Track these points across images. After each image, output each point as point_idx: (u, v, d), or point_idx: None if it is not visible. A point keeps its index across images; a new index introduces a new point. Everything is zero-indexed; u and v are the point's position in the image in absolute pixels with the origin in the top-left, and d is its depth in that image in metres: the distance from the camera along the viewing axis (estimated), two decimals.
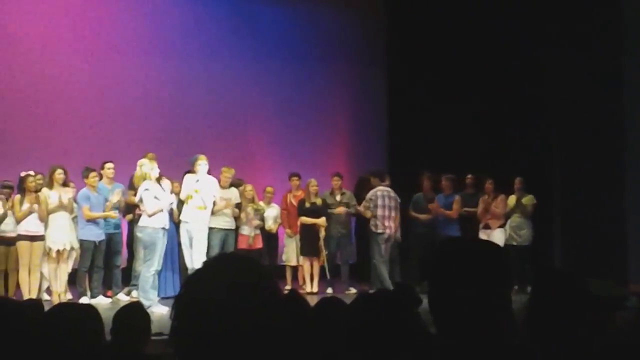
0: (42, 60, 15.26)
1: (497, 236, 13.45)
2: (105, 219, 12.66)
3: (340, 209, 14.05)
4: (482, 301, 2.28)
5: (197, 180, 12.18)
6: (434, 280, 2.39)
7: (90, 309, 3.70)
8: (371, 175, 14.15)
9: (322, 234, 14.04)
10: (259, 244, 13.68)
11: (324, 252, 14.03)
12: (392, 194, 13.74)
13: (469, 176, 14.51)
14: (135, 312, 4.95)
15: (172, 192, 12.20)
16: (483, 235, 13.50)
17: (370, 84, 17.85)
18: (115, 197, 12.72)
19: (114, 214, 12.76)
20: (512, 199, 13.94)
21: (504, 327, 2.30)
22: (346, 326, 3.21)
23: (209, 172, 12.51)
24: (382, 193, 13.64)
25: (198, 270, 1.91)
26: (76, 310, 3.68)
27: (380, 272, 13.46)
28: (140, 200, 11.55)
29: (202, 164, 12.24)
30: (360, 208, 13.77)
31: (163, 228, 11.46)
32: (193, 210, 12.15)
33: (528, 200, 13.92)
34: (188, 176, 12.39)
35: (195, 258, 11.80)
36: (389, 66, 17.85)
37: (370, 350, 3.03)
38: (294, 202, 14.33)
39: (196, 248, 11.99)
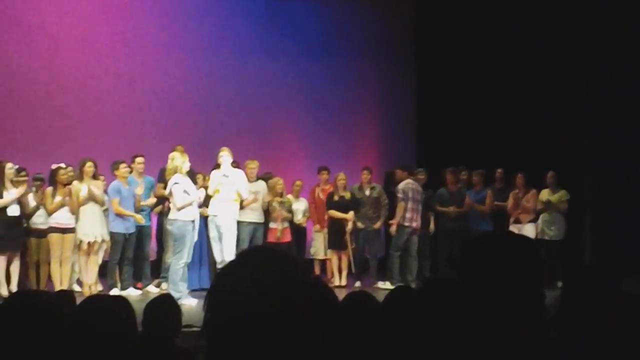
0: (73, 55, 15.35)
1: (528, 230, 13.39)
2: (137, 210, 12.74)
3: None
4: (514, 296, 2.28)
5: (225, 175, 12.18)
6: (466, 274, 2.38)
7: (122, 300, 3.72)
8: (399, 168, 14.14)
9: (349, 228, 14.03)
10: (288, 238, 13.69)
11: (351, 246, 14.03)
12: (419, 187, 13.77)
13: (499, 170, 14.46)
14: (166, 304, 4.96)
15: (202, 186, 12.26)
16: (514, 229, 13.40)
17: (400, 79, 17.81)
18: (140, 191, 12.78)
19: (141, 218, 12.78)
20: (544, 194, 13.85)
21: (535, 322, 2.30)
22: (380, 320, 3.23)
23: (237, 167, 12.55)
24: (412, 186, 13.68)
25: (231, 263, 1.91)
26: (108, 301, 3.70)
27: (393, 264, 13.54)
28: (170, 193, 11.58)
29: (224, 155, 12.25)
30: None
31: (192, 221, 11.48)
32: (221, 204, 12.16)
33: (561, 195, 13.82)
34: (214, 172, 12.41)
35: (225, 252, 11.82)
36: (418, 61, 17.79)
37: (402, 343, 3.04)
38: (322, 196, 14.33)
39: (226, 242, 12.01)
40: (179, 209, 11.41)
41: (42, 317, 2.98)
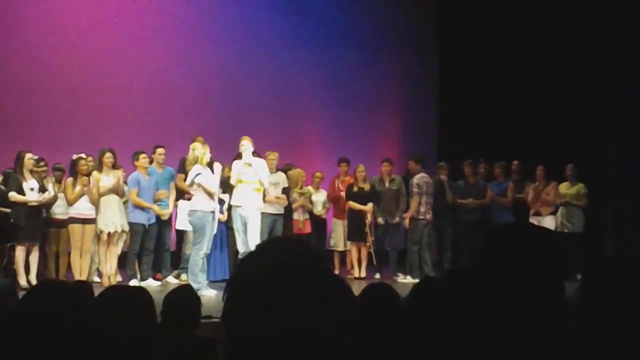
0: (94, 47, 15.39)
1: (548, 223, 13.33)
2: (157, 201, 12.77)
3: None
4: (536, 287, 2.26)
5: (247, 163, 12.10)
6: (487, 265, 2.37)
7: (142, 291, 3.72)
8: (412, 160, 14.07)
9: (369, 219, 14.02)
10: (308, 229, 13.72)
11: (370, 238, 14.01)
12: (431, 180, 13.76)
13: (515, 162, 14.39)
14: (185, 295, 4.96)
15: (222, 176, 12.26)
16: (534, 221, 13.32)
17: (422, 71, 17.77)
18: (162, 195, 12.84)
19: (158, 208, 12.79)
20: (562, 187, 13.79)
21: (556, 314, 2.28)
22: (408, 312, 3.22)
23: (258, 157, 12.54)
24: (426, 180, 13.66)
25: (251, 253, 1.90)
26: (127, 292, 3.70)
27: (413, 258, 13.52)
28: (191, 184, 11.58)
29: (245, 144, 12.13)
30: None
31: (212, 212, 11.48)
32: (245, 193, 12.07)
33: (579, 189, 13.75)
34: (236, 161, 12.32)
35: (251, 242, 11.75)
36: (441, 51, 17.74)
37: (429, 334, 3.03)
38: (342, 188, 14.32)
39: (251, 232, 11.88)
40: (209, 193, 11.37)
41: (67, 306, 2.98)
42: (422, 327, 3.28)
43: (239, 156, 12.33)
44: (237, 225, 12.13)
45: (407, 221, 13.65)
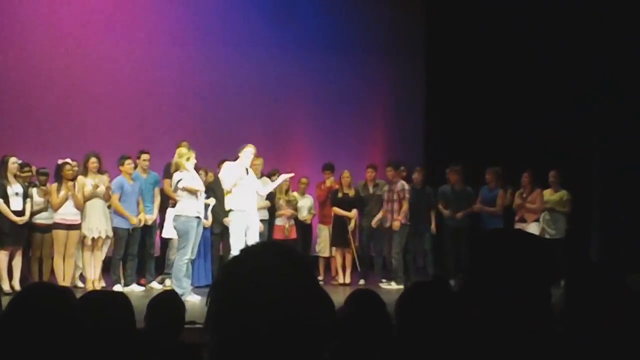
0: (79, 49, 15.37)
1: (532, 229, 13.30)
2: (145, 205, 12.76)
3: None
4: (523, 292, 2.27)
5: (247, 169, 11.94)
6: (476, 271, 2.37)
7: (121, 296, 3.71)
8: (390, 166, 14.07)
9: (351, 226, 14.03)
10: (294, 235, 13.72)
11: (354, 244, 14.02)
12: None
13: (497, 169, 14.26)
14: (169, 300, 4.95)
15: (206, 181, 12.24)
16: (518, 228, 13.38)
17: (408, 76, 17.78)
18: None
19: (136, 219, 12.67)
20: (546, 193, 13.77)
21: (541, 320, 2.29)
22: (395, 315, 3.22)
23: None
24: (407, 186, 13.72)
25: (235, 257, 1.90)
26: (107, 297, 3.69)
27: (398, 264, 13.53)
28: (175, 190, 11.57)
29: (249, 151, 11.93)
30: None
31: (197, 217, 11.47)
32: (246, 197, 11.78)
33: (562, 195, 13.74)
34: (231, 164, 11.96)
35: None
36: (427, 57, 17.76)
37: (412, 339, 3.03)
38: (327, 195, 14.34)
39: (252, 237, 11.62)
40: (191, 192, 11.33)
41: (44, 310, 2.97)
42: (411, 332, 3.28)
43: (227, 159, 12.16)
44: (238, 229, 11.68)
45: (397, 223, 13.60)
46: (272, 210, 13.48)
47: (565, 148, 14.57)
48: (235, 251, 11.37)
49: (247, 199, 11.79)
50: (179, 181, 11.36)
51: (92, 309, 3.36)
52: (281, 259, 1.85)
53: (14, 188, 11.89)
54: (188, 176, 11.46)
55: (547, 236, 13.46)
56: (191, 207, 11.40)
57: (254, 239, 11.61)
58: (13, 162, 12.00)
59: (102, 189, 12.37)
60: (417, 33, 17.91)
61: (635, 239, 13.75)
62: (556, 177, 13.79)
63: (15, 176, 12.02)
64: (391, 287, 13.02)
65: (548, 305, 2.32)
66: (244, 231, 11.65)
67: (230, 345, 1.80)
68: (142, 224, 12.80)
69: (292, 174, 12.51)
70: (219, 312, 1.82)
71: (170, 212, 12.55)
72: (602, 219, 14.46)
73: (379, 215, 13.72)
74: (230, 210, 11.88)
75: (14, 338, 2.84)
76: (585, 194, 14.19)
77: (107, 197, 12.46)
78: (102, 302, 3.48)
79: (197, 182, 11.58)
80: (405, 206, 13.56)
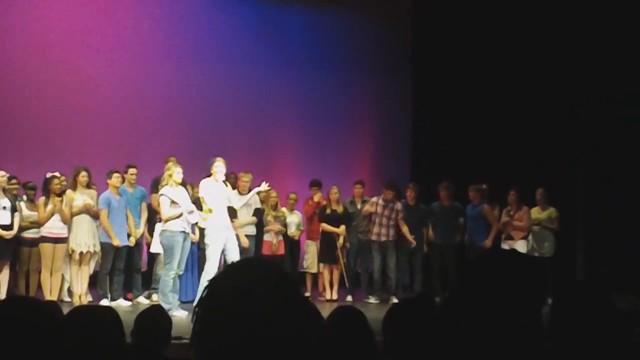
0: (69, 64, 15.34)
1: (520, 247, 13.32)
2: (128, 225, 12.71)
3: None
4: (515, 313, 2.27)
5: (225, 184, 11.79)
6: (468, 290, 2.38)
7: (110, 311, 3.70)
8: (358, 183, 14.36)
9: (340, 242, 14.02)
10: (282, 250, 13.70)
11: (342, 261, 14.02)
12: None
13: (484, 186, 14.27)
14: (156, 315, 4.95)
15: (192, 196, 12.20)
16: (505, 246, 13.36)
17: (395, 92, 17.84)
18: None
19: (117, 241, 12.54)
20: (534, 211, 13.79)
21: (531, 339, 2.29)
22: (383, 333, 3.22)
23: (235, 178, 12.52)
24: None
25: (221, 274, 1.90)
26: (95, 312, 3.68)
27: (392, 281, 13.65)
28: (158, 204, 11.60)
29: (219, 165, 11.68)
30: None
31: (183, 232, 11.45)
32: (225, 214, 11.66)
33: (550, 213, 13.78)
34: (207, 182, 11.68)
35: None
36: (414, 75, 17.84)
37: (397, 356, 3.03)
38: (314, 210, 14.34)
39: (234, 253, 11.47)
40: (165, 221, 11.40)
41: (31, 325, 2.95)
42: (396, 348, 3.28)
43: (208, 176, 12.07)
44: (218, 246, 11.43)
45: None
46: (260, 226, 13.44)
47: (550, 166, 14.63)
48: (209, 267, 11.31)
49: (224, 216, 11.69)
50: (161, 195, 11.42)
51: (81, 324, 3.35)
52: (266, 275, 1.85)
53: (2, 202, 11.86)
54: (171, 191, 11.43)
55: (536, 254, 13.48)
56: (176, 222, 11.39)
57: (234, 252, 11.51)
58: (1, 176, 11.96)
59: (91, 204, 12.35)
60: (404, 50, 17.97)
61: (620, 256, 13.78)
62: (543, 195, 13.83)
63: (3, 190, 11.98)
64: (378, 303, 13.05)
65: (539, 324, 2.32)
66: (222, 246, 11.47)
67: None
68: (134, 243, 12.80)
69: (267, 187, 12.35)
70: (205, 328, 1.82)
71: (158, 227, 12.53)
72: (587, 236, 14.48)
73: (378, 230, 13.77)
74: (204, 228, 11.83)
75: None
76: (571, 212, 14.21)
77: (95, 215, 12.43)
78: (90, 317, 3.47)
79: (182, 197, 11.55)
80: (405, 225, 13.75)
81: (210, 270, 11.09)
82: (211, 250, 11.42)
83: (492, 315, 2.29)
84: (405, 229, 13.72)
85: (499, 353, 2.27)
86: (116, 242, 12.47)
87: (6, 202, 11.90)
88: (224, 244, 11.45)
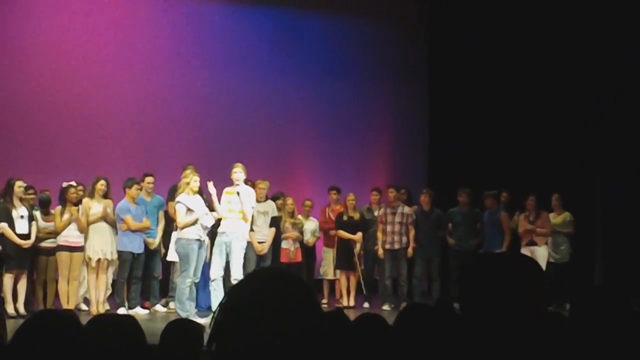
0: (86, 74, 15.37)
1: (542, 253, 13.28)
2: (144, 230, 12.72)
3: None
4: (515, 316, 2.26)
5: (237, 192, 11.82)
6: (467, 295, 2.38)
7: (130, 320, 3.70)
8: (375, 190, 14.54)
9: (357, 249, 14.00)
10: (299, 258, 13.69)
11: (360, 268, 14.00)
12: None
13: (504, 193, 14.23)
14: (186, 329, 4.88)
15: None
16: (526, 251, 13.29)
17: (412, 99, 17.82)
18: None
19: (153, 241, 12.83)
20: (550, 216, 13.74)
21: (536, 341, 2.28)
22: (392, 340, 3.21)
23: (252, 185, 12.51)
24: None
25: (241, 282, 1.91)
26: (116, 321, 3.69)
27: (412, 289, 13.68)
28: (175, 212, 11.64)
29: (238, 171, 11.85)
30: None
31: (198, 240, 11.45)
32: (231, 221, 11.79)
33: (565, 217, 13.74)
34: (181, 197, 11.69)
35: (233, 271, 11.60)
36: (431, 81, 17.82)
37: None
38: (332, 216, 14.32)
39: (234, 261, 11.62)
40: (181, 228, 11.41)
41: (62, 336, 2.96)
42: (407, 353, 3.27)
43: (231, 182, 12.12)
44: (217, 250, 11.67)
45: (410, 250, 13.74)
46: (277, 234, 13.42)
47: (568, 171, 14.58)
48: (212, 272, 11.60)
49: (229, 222, 11.75)
50: (177, 203, 11.48)
51: (102, 333, 3.36)
52: (285, 285, 1.86)
53: (19, 211, 11.91)
54: (188, 199, 11.46)
55: (552, 260, 13.45)
56: (192, 230, 11.40)
57: (238, 263, 11.65)
58: (19, 186, 12.01)
59: (110, 212, 12.39)
60: (420, 56, 17.97)
61: (636, 262, 13.73)
62: (559, 200, 13.80)
63: (20, 200, 12.03)
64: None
65: (541, 327, 2.32)
66: (224, 254, 11.65)
67: None
68: (154, 246, 12.86)
69: (212, 188, 12.24)
70: (222, 334, 1.83)
71: (175, 236, 12.56)
72: (605, 241, 14.43)
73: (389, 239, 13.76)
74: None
75: None
76: (588, 217, 14.17)
77: (112, 222, 12.46)
78: (111, 326, 3.47)
79: (199, 205, 11.56)
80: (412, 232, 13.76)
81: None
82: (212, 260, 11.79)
83: (494, 320, 2.28)
84: (412, 234, 13.72)
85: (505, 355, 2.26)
86: (147, 223, 12.66)
87: (24, 211, 11.95)
88: (226, 251, 11.67)
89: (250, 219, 12.10)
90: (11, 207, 11.88)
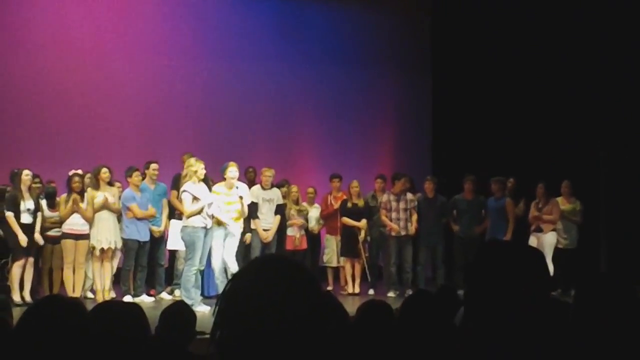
0: (89, 63, 15.38)
1: (549, 239, 13.28)
2: (149, 218, 12.73)
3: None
4: (518, 304, 2.27)
5: (240, 197, 11.91)
6: (472, 283, 2.38)
7: (135, 307, 3.72)
8: (379, 177, 14.53)
9: (362, 236, 14.00)
10: (304, 245, 13.72)
11: (364, 255, 14.00)
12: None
13: (510, 180, 14.22)
14: (181, 311, 5.00)
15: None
16: (534, 238, 13.31)
17: (416, 87, 17.83)
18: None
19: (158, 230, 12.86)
20: (559, 202, 13.72)
21: (538, 328, 2.29)
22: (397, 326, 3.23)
23: (253, 173, 12.52)
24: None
25: (244, 269, 1.92)
26: (121, 308, 3.70)
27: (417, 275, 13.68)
28: (180, 200, 11.63)
29: (234, 170, 11.97)
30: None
31: (204, 227, 11.46)
32: (230, 222, 11.88)
33: (575, 205, 13.74)
34: (187, 186, 11.63)
35: (226, 258, 11.70)
36: (434, 69, 17.82)
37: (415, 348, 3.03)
38: (334, 204, 14.31)
39: (228, 248, 11.79)
40: (187, 217, 11.41)
41: (68, 323, 2.97)
42: (413, 339, 3.29)
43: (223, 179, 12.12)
44: (219, 241, 11.79)
45: (412, 229, 13.76)
46: (282, 221, 13.43)
47: (573, 159, 14.55)
48: (214, 262, 11.82)
49: (227, 216, 11.86)
50: (183, 192, 11.43)
51: (106, 320, 3.37)
52: (289, 272, 1.86)
53: (27, 204, 11.91)
54: (194, 187, 11.46)
55: (559, 246, 13.45)
56: (198, 218, 11.41)
57: (232, 250, 11.82)
58: (26, 175, 12.01)
59: (112, 200, 12.39)
60: (424, 45, 17.98)
61: None
62: (569, 187, 13.79)
63: (28, 189, 12.04)
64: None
65: (545, 315, 2.32)
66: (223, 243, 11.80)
67: (235, 356, 1.81)
68: (159, 234, 12.89)
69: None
70: (225, 322, 1.84)
71: (174, 224, 12.58)
72: (610, 229, 14.41)
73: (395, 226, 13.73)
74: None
75: (28, 351, 2.85)
76: (595, 204, 14.15)
77: (116, 211, 12.48)
78: (116, 313, 3.49)
79: (204, 193, 11.56)
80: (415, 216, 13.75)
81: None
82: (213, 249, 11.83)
83: (498, 307, 2.29)
84: (414, 218, 13.73)
85: (510, 344, 2.27)
86: (153, 211, 12.66)
87: (31, 204, 11.96)
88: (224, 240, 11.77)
89: (246, 212, 12.20)
90: (20, 197, 11.89)
